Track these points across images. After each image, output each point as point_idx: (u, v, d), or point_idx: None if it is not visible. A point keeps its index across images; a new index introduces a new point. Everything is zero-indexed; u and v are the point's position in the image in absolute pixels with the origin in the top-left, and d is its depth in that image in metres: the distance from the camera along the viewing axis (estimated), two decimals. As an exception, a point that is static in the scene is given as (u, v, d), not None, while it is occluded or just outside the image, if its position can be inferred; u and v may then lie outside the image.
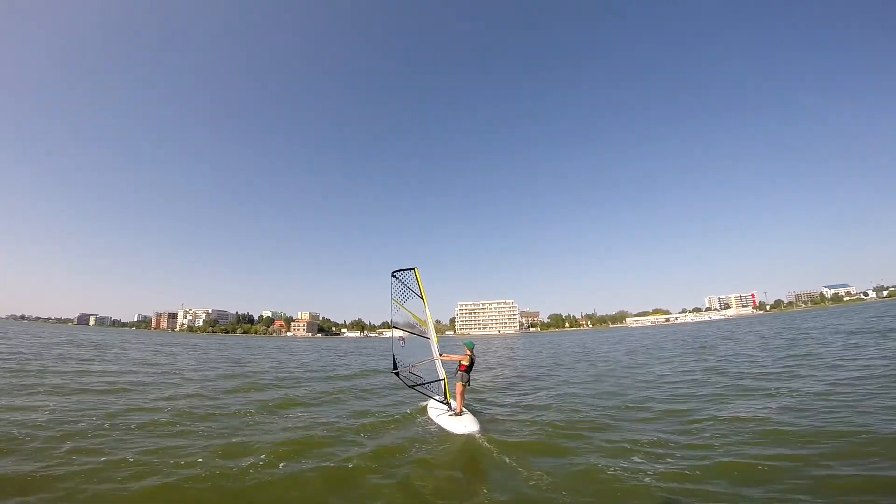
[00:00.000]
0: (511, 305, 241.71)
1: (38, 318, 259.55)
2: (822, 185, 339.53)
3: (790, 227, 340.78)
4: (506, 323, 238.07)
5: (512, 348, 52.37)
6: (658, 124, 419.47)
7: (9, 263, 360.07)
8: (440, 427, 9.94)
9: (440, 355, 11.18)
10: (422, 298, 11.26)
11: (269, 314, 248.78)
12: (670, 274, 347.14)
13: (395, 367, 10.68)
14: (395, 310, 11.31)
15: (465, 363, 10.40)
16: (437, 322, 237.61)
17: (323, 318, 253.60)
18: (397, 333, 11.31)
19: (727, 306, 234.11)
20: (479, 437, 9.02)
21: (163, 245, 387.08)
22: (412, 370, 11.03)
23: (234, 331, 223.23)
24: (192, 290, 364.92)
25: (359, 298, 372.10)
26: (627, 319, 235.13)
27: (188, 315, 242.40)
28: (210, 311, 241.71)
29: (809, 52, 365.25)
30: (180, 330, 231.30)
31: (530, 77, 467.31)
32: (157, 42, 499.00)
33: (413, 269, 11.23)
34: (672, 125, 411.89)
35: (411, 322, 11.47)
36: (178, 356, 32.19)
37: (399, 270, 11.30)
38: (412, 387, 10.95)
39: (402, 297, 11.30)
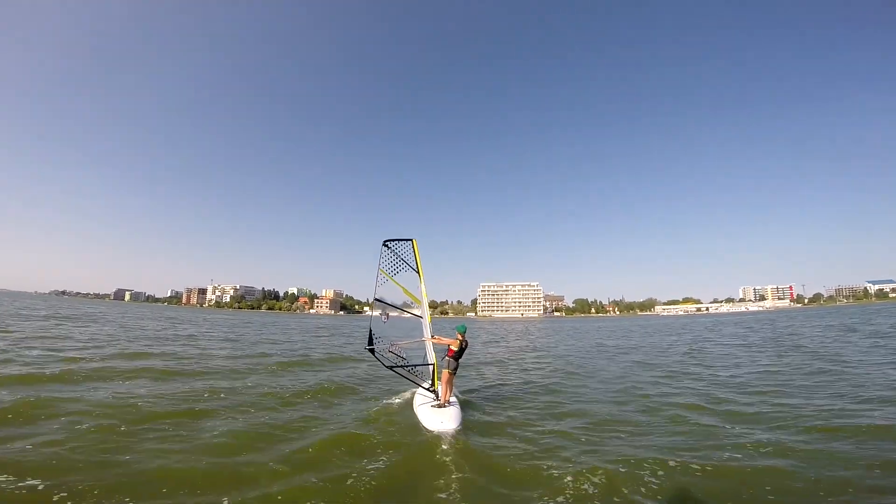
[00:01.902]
0: (535, 288, 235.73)
1: (77, 294, 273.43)
2: (857, 179, 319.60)
3: (828, 220, 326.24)
4: (529, 306, 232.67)
5: (531, 333, 48.26)
6: (700, 106, 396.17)
7: (51, 242, 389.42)
8: (418, 419, 8.98)
9: (432, 337, 10.25)
10: (417, 273, 10.41)
11: (295, 291, 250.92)
12: (698, 263, 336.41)
13: (371, 343, 9.36)
14: (381, 282, 9.99)
15: (455, 348, 9.48)
16: (459, 303, 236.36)
17: (346, 295, 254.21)
18: (381, 309, 10.15)
19: (762, 298, 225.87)
20: (453, 439, 7.79)
21: (198, 221, 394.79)
22: (394, 349, 9.89)
23: (259, 307, 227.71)
24: (224, 266, 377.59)
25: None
26: (657, 307, 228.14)
27: (217, 291, 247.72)
28: (238, 287, 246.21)
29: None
30: (208, 305, 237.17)
31: (555, 59, 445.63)
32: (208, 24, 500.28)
33: (411, 239, 10.31)
34: (715, 106, 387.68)
35: (401, 297, 10.39)
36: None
37: (393, 240, 10.16)
38: (391, 368, 9.77)
39: (392, 269, 10.15)
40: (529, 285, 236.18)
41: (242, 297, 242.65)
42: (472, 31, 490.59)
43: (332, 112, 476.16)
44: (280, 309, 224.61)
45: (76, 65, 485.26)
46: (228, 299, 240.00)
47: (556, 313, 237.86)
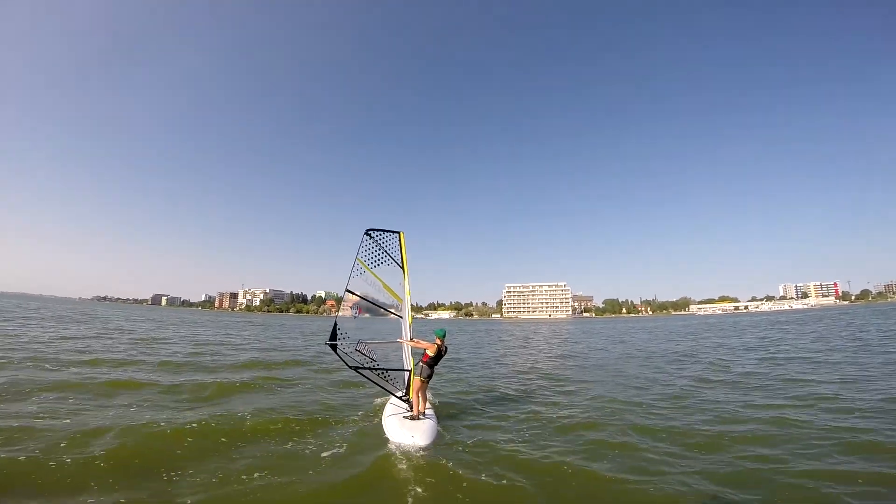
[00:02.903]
0: (563, 288, 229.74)
1: (117, 299, 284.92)
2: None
3: (869, 214, 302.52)
4: (557, 307, 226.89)
5: (559, 334, 44.74)
6: (733, 97, 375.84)
7: (92, 249, 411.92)
8: (385, 431, 7.98)
9: (410, 339, 9.23)
10: (402, 268, 9.61)
11: (322, 294, 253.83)
12: (731, 261, 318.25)
13: (333, 339, 8.13)
14: (358, 272, 8.82)
15: (431, 353, 8.58)
16: (483, 305, 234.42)
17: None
18: (351, 301, 8.92)
19: (805, 295, 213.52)
20: (422, 457, 6.75)
21: (230, 227, 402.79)
22: (363, 349, 8.75)
23: (287, 310, 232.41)
24: (253, 270, 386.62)
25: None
26: (692, 307, 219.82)
27: (247, 295, 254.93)
28: (267, 291, 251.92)
29: None
30: (239, 309, 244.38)
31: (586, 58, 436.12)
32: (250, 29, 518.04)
33: (398, 232, 9.54)
34: (751, 96, 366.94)
35: (380, 292, 9.25)
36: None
37: (377, 230, 9.23)
38: (355, 368, 8.51)
39: (372, 261, 9.11)
40: (557, 285, 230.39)
41: (272, 300, 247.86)
42: (516, 29, 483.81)
43: (358, 118, 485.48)
44: (307, 312, 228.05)
45: (115, 71, 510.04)
46: (258, 303, 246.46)
47: (585, 314, 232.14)
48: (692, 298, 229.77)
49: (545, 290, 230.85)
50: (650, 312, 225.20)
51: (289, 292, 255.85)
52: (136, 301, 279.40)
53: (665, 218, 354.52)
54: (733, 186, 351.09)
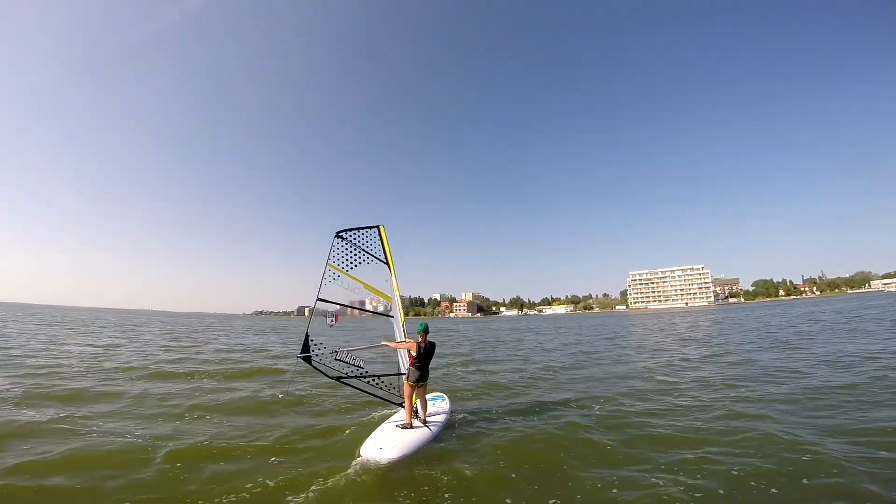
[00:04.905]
0: (701, 272, 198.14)
1: (270, 313, 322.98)
2: None
3: None
4: (694, 294, 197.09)
5: (715, 330, 33.11)
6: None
7: (251, 270, 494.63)
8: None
9: (384, 342, 8.53)
10: (387, 263, 8.63)
11: (437, 296, 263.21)
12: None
13: (306, 350, 7.22)
14: (331, 278, 7.74)
15: (413, 353, 7.52)
16: (605, 296, 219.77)
17: (482, 297, 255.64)
18: (326, 310, 7.71)
19: None
20: (379, 471, 5.91)
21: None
22: (343, 357, 7.77)
23: (407, 314, 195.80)
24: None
25: (517, 274, 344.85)
26: (874, 282, 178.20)
27: (373, 302, 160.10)
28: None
29: None
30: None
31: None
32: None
33: (377, 226, 8.60)
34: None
35: (361, 295, 8.26)
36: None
37: (350, 229, 8.24)
38: (338, 379, 7.67)
39: (347, 263, 8.05)
40: (693, 269, 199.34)
41: None
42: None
43: (457, 117, 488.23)
44: (423, 314, 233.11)
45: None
46: (382, 309, 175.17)
47: (730, 299, 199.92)
48: (873, 273, 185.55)
49: (678, 276, 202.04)
50: (817, 292, 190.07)
51: (408, 297, 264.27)
52: (284, 313, 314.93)
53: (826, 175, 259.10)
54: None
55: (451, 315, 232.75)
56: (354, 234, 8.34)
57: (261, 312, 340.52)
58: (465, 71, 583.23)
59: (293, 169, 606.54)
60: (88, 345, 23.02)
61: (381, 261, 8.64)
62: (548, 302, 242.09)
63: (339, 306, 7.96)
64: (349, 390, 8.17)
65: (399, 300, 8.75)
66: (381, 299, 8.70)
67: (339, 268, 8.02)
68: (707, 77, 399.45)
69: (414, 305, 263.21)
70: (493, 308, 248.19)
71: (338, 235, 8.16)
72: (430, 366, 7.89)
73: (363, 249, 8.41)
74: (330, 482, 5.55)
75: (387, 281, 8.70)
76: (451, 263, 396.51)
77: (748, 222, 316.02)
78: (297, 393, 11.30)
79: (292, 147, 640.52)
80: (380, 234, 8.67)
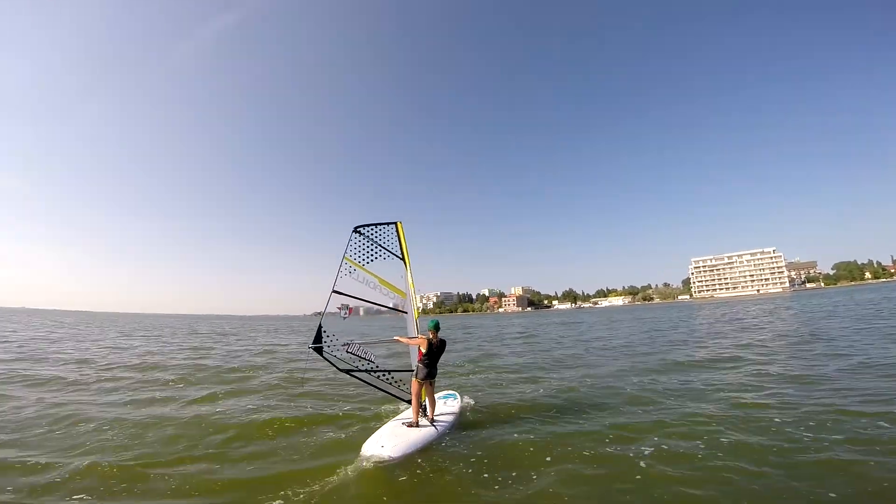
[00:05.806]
0: (773, 255, 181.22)
1: (315, 314, 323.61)
2: None
3: None
4: (766, 279, 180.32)
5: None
6: None
7: (307, 271, 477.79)
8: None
9: (396, 337, 8.48)
10: (403, 260, 8.74)
11: (486, 292, 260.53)
12: None
13: (318, 340, 7.37)
14: (347, 271, 8.00)
15: (423, 349, 7.53)
16: (666, 285, 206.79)
17: (533, 291, 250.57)
18: (340, 302, 8.00)
19: None
20: (375, 470, 5.91)
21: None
22: (354, 350, 7.85)
23: (455, 310, 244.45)
24: (423, 274, 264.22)
25: (569, 266, 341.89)
26: None
27: (423, 299, 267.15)
28: (438, 294, 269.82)
29: None
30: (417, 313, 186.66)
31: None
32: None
33: (395, 223, 8.73)
34: None
35: (376, 290, 8.37)
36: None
37: (367, 225, 8.46)
38: (348, 372, 7.81)
39: (363, 257, 8.30)
40: (763, 252, 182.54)
41: (442, 302, 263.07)
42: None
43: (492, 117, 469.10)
44: (473, 311, 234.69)
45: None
46: (431, 305, 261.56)
47: (808, 285, 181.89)
48: None
49: (747, 261, 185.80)
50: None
51: (456, 293, 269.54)
52: (317, 314, 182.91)
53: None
54: None
55: (500, 310, 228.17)
56: (372, 229, 8.54)
57: (318, 313, 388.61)
58: (537, 71, 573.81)
59: (352, 175, 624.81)
60: (245, 348, 25.04)
61: (397, 256, 8.75)
62: (603, 294, 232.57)
63: (353, 299, 8.11)
64: (358, 385, 8.52)
65: (414, 296, 8.81)
66: (396, 294, 8.71)
67: (357, 262, 8.25)
68: (772, 54, 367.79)
69: (462, 302, 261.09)
70: (545, 302, 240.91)
71: (356, 230, 8.40)
72: (438, 362, 7.95)
73: (380, 245, 8.57)
74: (328, 479, 5.63)
75: (402, 277, 8.77)
76: (501, 259, 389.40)
77: (823, 197, 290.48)
78: (307, 387, 11.60)
79: (346, 152, 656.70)
80: (397, 231, 8.77)
